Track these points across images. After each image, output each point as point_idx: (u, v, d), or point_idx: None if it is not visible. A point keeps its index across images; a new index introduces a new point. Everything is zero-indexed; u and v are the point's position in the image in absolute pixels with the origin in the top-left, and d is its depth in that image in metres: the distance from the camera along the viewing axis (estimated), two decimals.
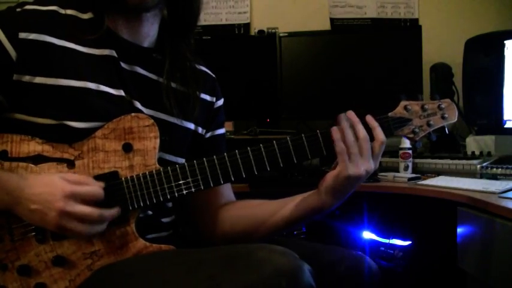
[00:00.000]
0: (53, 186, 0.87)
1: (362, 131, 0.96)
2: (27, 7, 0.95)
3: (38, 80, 0.92)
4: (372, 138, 0.97)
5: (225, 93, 1.22)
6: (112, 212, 0.92)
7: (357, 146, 0.96)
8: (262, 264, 0.76)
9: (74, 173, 0.94)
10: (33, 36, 0.92)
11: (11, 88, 0.92)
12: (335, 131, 0.97)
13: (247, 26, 2.42)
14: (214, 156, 0.97)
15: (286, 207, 1.06)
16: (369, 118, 0.99)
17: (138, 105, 1.01)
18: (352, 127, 0.97)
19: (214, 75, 1.20)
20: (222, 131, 1.21)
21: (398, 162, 1.75)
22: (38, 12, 0.95)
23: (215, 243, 1.11)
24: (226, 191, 1.18)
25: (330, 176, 0.98)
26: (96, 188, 0.91)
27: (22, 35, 0.92)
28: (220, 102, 1.20)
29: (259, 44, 2.25)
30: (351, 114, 0.99)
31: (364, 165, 0.95)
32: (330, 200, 0.99)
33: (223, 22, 2.43)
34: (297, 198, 1.06)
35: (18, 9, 0.95)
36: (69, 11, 0.99)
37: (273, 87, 2.16)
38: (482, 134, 1.90)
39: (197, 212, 1.15)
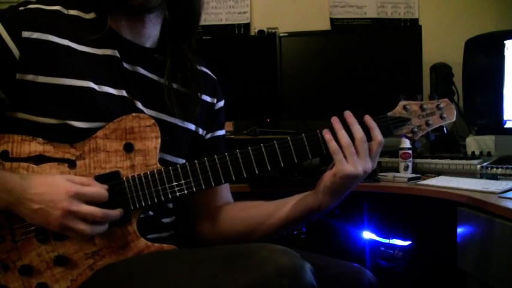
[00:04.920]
0: (57, 186, 0.88)
1: (359, 132, 0.97)
2: (30, 6, 0.96)
3: (41, 79, 0.93)
4: (369, 138, 0.98)
5: (225, 93, 1.22)
6: (115, 212, 0.92)
7: (354, 146, 0.96)
8: (264, 264, 0.76)
9: (75, 174, 0.94)
10: (36, 35, 0.93)
11: (14, 87, 0.92)
12: (326, 131, 0.98)
13: (247, 26, 2.42)
14: (216, 156, 0.97)
15: (283, 207, 1.06)
16: (367, 118, 0.99)
17: (139, 105, 1.01)
18: (349, 128, 0.97)
19: (215, 77, 1.20)
20: (222, 132, 1.21)
21: (398, 162, 1.75)
22: (41, 11, 0.95)
23: (212, 244, 1.11)
24: (225, 192, 1.18)
25: (328, 176, 0.98)
26: (100, 190, 0.91)
27: (25, 34, 0.92)
28: (221, 103, 1.21)
29: (259, 44, 2.25)
30: (348, 114, 0.99)
31: (361, 165, 0.95)
32: (328, 200, 0.99)
33: (223, 22, 2.43)
34: (295, 199, 1.06)
35: (21, 8, 0.95)
36: (72, 11, 0.99)
37: (273, 87, 2.17)
38: (482, 134, 1.90)
39: (195, 213, 1.16)
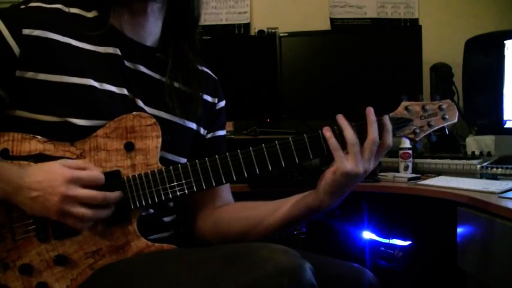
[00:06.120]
0: (53, 172, 0.88)
1: (374, 132, 0.95)
2: (31, 4, 0.96)
3: (42, 76, 0.93)
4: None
5: (225, 93, 1.22)
6: (115, 194, 0.92)
7: (363, 146, 0.95)
8: (264, 263, 0.76)
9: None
10: (37, 32, 0.93)
11: (14, 84, 0.92)
12: (326, 129, 0.97)
13: (247, 26, 2.42)
14: (217, 156, 0.97)
15: (283, 207, 1.05)
16: (385, 119, 0.98)
17: (140, 103, 1.01)
18: (362, 125, 0.96)
19: (216, 77, 1.20)
20: (222, 132, 1.21)
21: (398, 162, 1.75)
22: (42, 9, 0.96)
23: (212, 244, 1.11)
24: (225, 192, 1.18)
25: (328, 173, 0.97)
26: (96, 173, 0.91)
27: (26, 32, 0.92)
28: (222, 103, 1.21)
29: (259, 44, 2.25)
30: (371, 112, 0.97)
31: (363, 164, 0.95)
32: (328, 199, 0.98)
33: (223, 22, 2.43)
34: (295, 198, 1.05)
35: (22, 7, 0.95)
36: (73, 10, 0.99)
37: (273, 87, 2.16)
38: (482, 134, 1.90)
39: (195, 213, 1.16)
